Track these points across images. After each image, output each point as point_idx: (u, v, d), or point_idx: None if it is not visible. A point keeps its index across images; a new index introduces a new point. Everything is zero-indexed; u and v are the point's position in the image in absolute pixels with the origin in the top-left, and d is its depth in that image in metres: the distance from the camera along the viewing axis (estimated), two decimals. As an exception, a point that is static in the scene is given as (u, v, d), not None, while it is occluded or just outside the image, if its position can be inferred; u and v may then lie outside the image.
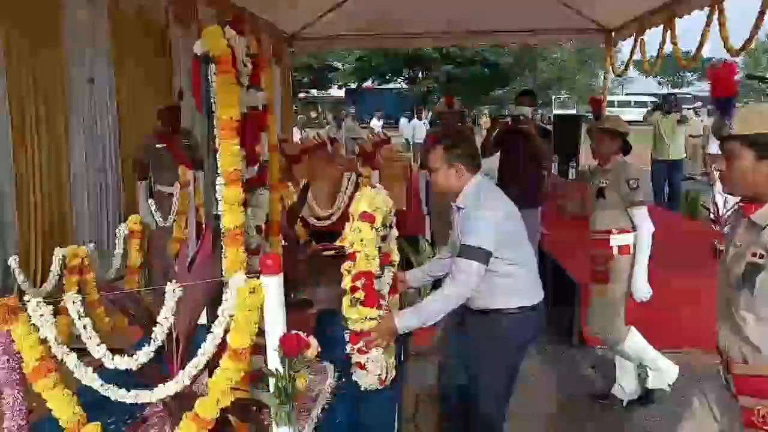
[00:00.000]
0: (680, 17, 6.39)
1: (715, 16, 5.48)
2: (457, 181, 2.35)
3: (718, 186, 7.44)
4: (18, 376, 1.64)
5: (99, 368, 1.75)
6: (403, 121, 16.85)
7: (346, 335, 2.34)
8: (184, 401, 1.87)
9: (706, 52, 6.40)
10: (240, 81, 2.34)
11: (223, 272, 2.26)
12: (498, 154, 4.82)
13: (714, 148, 7.56)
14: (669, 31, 6.52)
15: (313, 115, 25.63)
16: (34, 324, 1.60)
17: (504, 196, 2.44)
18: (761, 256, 1.53)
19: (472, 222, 2.24)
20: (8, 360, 1.62)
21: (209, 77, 2.23)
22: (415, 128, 15.90)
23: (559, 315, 4.70)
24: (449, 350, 2.67)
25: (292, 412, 1.64)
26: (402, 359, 3.66)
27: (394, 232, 2.67)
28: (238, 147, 2.23)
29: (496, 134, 4.70)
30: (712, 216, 7.03)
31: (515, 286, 2.32)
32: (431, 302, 2.22)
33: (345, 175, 4.58)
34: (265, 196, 2.73)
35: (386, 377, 2.48)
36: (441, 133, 2.49)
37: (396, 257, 2.66)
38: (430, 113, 22.65)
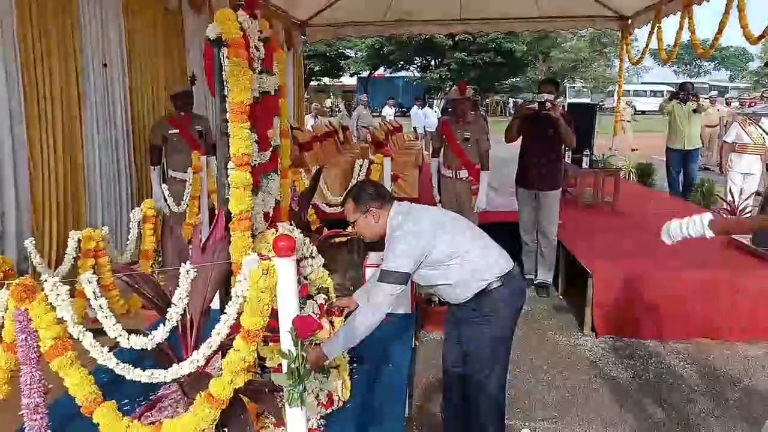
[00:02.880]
0: (698, 4, 6.29)
1: (735, 3, 5.38)
2: (378, 223, 2.40)
3: (732, 176, 7.37)
4: (35, 355, 1.67)
5: (114, 349, 1.77)
6: (414, 109, 16.74)
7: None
8: (197, 381, 1.89)
9: (723, 41, 6.29)
10: (252, 65, 2.34)
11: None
12: (519, 139, 4.84)
13: (730, 137, 7.46)
14: (687, 19, 6.42)
15: (328, 103, 25.53)
16: (50, 304, 1.62)
17: (418, 208, 2.50)
18: None
19: (389, 246, 2.31)
20: (26, 339, 1.64)
21: (222, 61, 2.23)
22: (426, 116, 15.79)
23: (572, 304, 4.69)
24: (447, 341, 2.68)
25: (305, 393, 1.65)
26: (414, 345, 3.68)
27: (318, 261, 2.69)
28: (249, 131, 2.24)
29: (520, 120, 4.71)
30: (726, 206, 6.95)
31: (483, 262, 2.37)
32: (351, 326, 2.26)
33: (357, 162, 4.57)
34: (276, 181, 2.74)
35: (336, 398, 2.47)
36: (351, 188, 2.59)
37: (326, 283, 2.71)
38: (443, 101, 22.54)
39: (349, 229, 4.09)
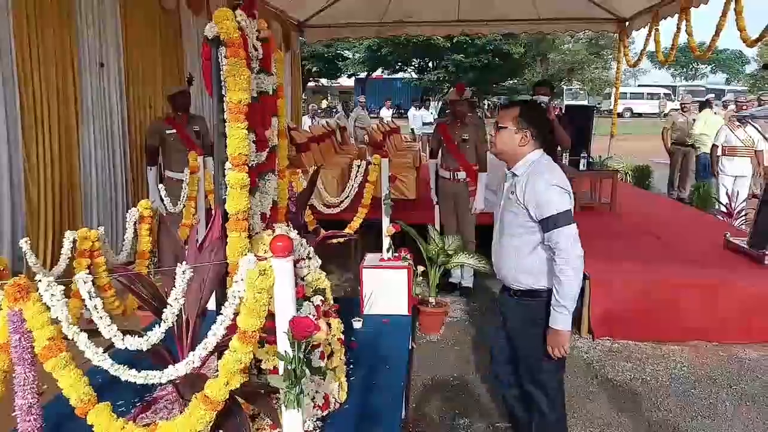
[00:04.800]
0: (696, 7, 6.30)
1: (732, 5, 5.40)
2: (520, 146, 2.27)
3: (723, 179, 7.41)
4: (29, 356, 1.65)
5: (109, 350, 1.76)
6: (412, 110, 16.78)
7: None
8: (193, 383, 1.88)
9: (720, 43, 6.31)
10: (250, 65, 2.33)
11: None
12: None
13: (720, 139, 7.50)
14: (684, 21, 6.44)
15: (324, 105, 25.56)
16: (45, 304, 1.61)
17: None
18: None
19: (546, 191, 2.18)
20: (20, 339, 1.62)
21: (219, 60, 2.22)
22: (423, 118, 15.80)
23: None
24: (495, 338, 2.60)
25: (301, 395, 1.64)
26: (411, 347, 3.68)
27: (315, 262, 2.68)
28: (246, 131, 2.22)
29: None
30: (723, 209, 6.97)
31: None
32: (562, 288, 2.17)
33: (354, 163, 4.55)
34: (273, 181, 2.73)
35: (333, 400, 2.45)
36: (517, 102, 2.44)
37: (323, 284, 2.69)
38: (440, 103, 22.54)
39: (346, 230, 4.09)
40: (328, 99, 31.75)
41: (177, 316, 1.79)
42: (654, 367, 3.71)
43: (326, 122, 11.16)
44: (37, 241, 3.94)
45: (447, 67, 30.28)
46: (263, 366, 2.31)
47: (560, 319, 2.19)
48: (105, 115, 4.79)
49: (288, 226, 2.75)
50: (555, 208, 2.15)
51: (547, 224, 2.17)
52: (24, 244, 2.72)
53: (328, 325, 2.55)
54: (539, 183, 2.19)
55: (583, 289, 4.14)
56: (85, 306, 1.73)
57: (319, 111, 22.35)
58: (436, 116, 16.18)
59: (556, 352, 2.22)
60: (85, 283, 1.65)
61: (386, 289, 3.79)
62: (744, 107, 8.58)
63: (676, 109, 10.36)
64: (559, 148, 4.89)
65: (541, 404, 2.39)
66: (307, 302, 2.51)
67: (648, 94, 34.45)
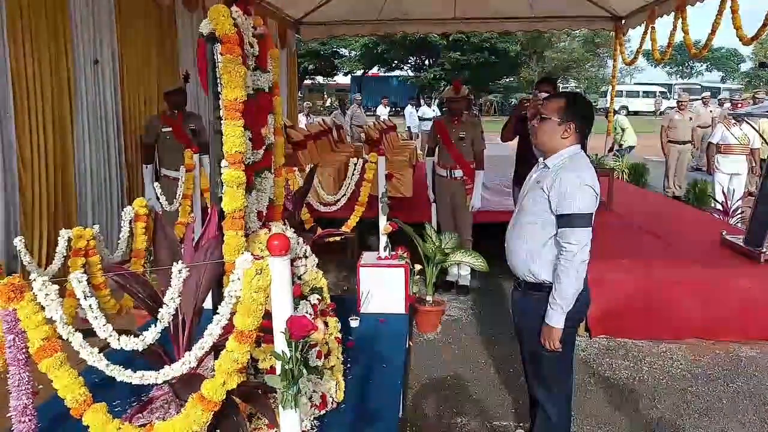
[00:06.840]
0: (692, 5, 6.31)
1: (728, 4, 5.40)
2: (561, 140, 2.22)
3: (719, 177, 7.42)
4: (23, 356, 1.63)
5: (104, 350, 1.74)
6: (408, 108, 16.76)
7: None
8: (189, 383, 1.87)
9: (715, 42, 6.32)
10: (246, 62, 2.31)
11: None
12: (517, 138, 4.81)
13: (716, 137, 7.51)
14: (680, 19, 6.44)
15: (328, 103, 25.53)
16: (39, 304, 1.59)
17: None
18: None
19: (577, 188, 2.13)
20: (14, 339, 1.61)
21: (215, 57, 2.20)
22: (424, 114, 15.75)
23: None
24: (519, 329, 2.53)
25: (299, 394, 1.63)
26: (407, 346, 3.67)
27: (311, 261, 2.66)
28: (242, 128, 2.20)
29: (516, 119, 4.67)
30: (719, 206, 6.98)
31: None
32: (561, 288, 2.15)
33: (351, 161, 4.54)
34: (270, 179, 2.71)
35: (330, 400, 2.43)
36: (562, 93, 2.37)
37: (320, 283, 2.68)
38: (436, 101, 22.53)
39: (343, 228, 4.07)
40: (324, 96, 31.72)
41: (173, 315, 1.78)
42: (651, 365, 3.71)
43: (322, 120, 11.13)
44: (31, 240, 3.91)
45: (443, 64, 30.29)
46: (260, 366, 2.30)
47: (554, 316, 2.21)
48: (100, 113, 4.76)
49: (285, 224, 2.74)
50: (578, 208, 2.12)
51: (564, 221, 2.15)
52: (18, 242, 2.71)
53: (325, 324, 2.54)
54: (573, 179, 2.14)
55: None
56: (80, 305, 1.71)
57: (321, 108, 22.32)
58: (438, 113, 16.16)
59: (548, 345, 2.25)
60: (80, 282, 1.63)
61: (383, 287, 3.78)
62: (739, 105, 8.60)
63: (672, 107, 10.37)
64: None
65: (545, 405, 2.40)
66: (304, 301, 2.50)
67: (644, 92, 34.52)
